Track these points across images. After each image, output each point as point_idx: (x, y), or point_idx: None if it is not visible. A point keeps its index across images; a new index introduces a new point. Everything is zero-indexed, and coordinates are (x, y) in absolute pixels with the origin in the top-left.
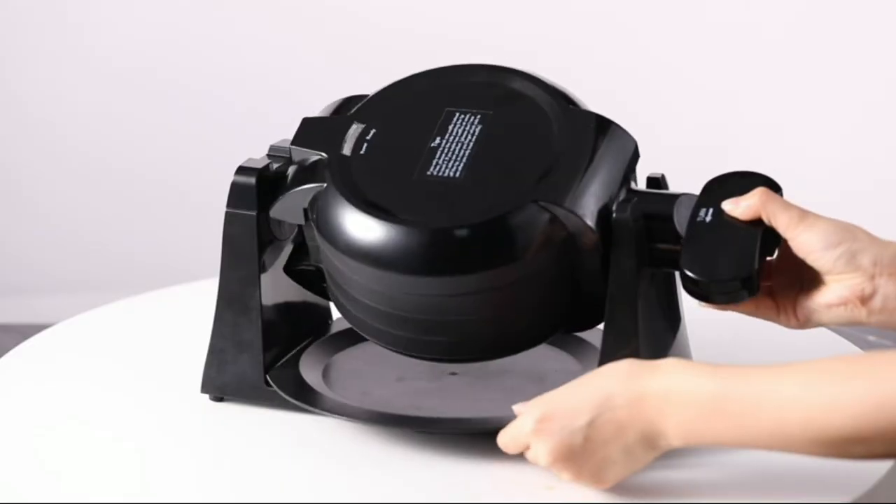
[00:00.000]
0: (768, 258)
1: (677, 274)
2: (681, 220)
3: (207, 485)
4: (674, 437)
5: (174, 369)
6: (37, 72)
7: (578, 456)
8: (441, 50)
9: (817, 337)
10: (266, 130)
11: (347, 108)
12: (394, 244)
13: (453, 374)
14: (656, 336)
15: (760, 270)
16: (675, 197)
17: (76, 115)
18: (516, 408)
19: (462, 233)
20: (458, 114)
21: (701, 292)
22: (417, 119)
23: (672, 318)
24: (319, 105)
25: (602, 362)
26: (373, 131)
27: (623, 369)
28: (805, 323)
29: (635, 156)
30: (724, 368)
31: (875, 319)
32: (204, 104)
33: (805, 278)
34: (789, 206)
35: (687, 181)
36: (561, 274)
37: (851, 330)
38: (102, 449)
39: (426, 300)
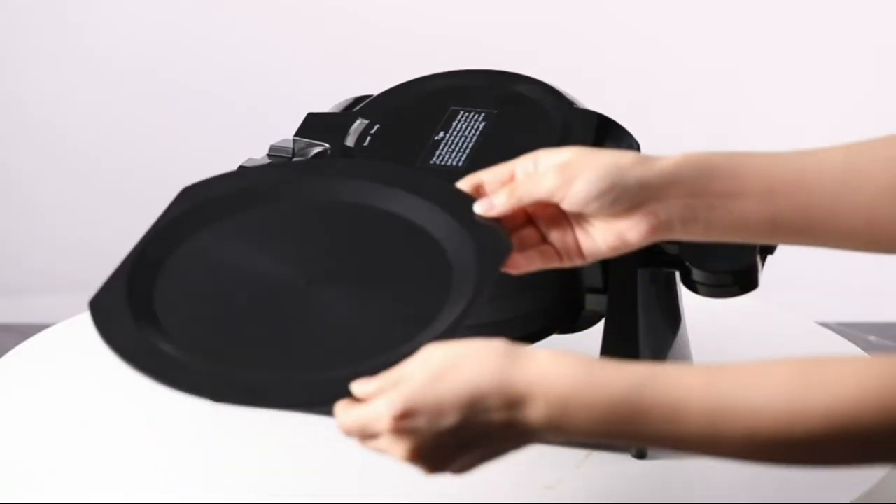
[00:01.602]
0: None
1: (677, 274)
2: None
3: (207, 485)
4: (559, 440)
5: None
6: (37, 72)
7: (443, 456)
8: (442, 51)
9: (817, 337)
10: (266, 130)
11: (353, 108)
12: None
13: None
14: (656, 336)
15: (761, 264)
16: None
17: (77, 115)
18: (358, 389)
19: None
20: (462, 111)
21: (700, 285)
22: (421, 116)
23: (672, 318)
24: (320, 106)
25: None
26: (377, 126)
27: (493, 358)
28: (593, 258)
29: None
30: (632, 367)
31: (678, 236)
32: (204, 104)
33: (577, 219)
34: (534, 175)
35: None
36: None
37: (851, 330)
38: (102, 449)
39: None
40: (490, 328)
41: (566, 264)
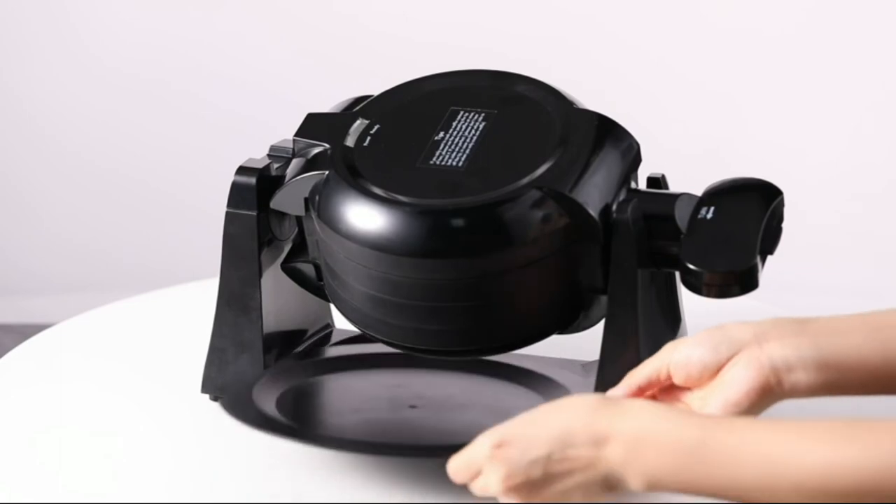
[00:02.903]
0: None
1: (677, 274)
2: (682, 218)
3: (207, 485)
4: (637, 482)
5: (174, 369)
6: (36, 74)
7: (533, 487)
8: (443, 51)
9: None
10: (266, 131)
11: (353, 108)
12: (394, 226)
13: (413, 406)
14: (656, 336)
15: (761, 265)
16: (676, 197)
17: (78, 116)
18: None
19: (462, 215)
20: (462, 112)
21: (700, 284)
22: (421, 116)
23: (672, 318)
24: (320, 106)
25: (602, 362)
26: (377, 126)
27: (587, 405)
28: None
29: (637, 157)
30: (703, 416)
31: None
32: (204, 104)
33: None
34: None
35: (687, 182)
36: (561, 263)
37: None
38: (102, 449)
39: (426, 285)
40: (489, 329)
41: None
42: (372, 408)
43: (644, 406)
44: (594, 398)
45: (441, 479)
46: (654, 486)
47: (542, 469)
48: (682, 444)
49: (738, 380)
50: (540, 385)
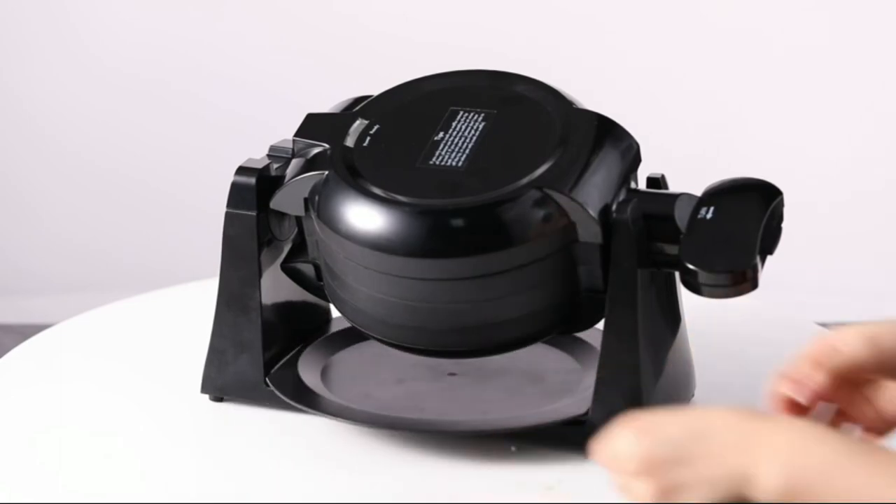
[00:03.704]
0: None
1: (677, 274)
2: (682, 218)
3: (207, 485)
4: (774, 479)
5: (174, 369)
6: (36, 74)
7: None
8: (442, 51)
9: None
10: (266, 131)
11: (353, 108)
12: (394, 225)
13: (452, 374)
14: (656, 336)
15: (761, 265)
16: (676, 197)
17: (77, 116)
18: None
19: (462, 215)
20: (462, 112)
21: (700, 284)
22: (421, 117)
23: (672, 318)
24: (320, 106)
25: (602, 362)
26: (377, 126)
27: (733, 412)
28: None
29: (637, 157)
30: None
31: None
32: (203, 104)
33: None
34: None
35: (687, 182)
36: (560, 263)
37: None
38: (102, 449)
39: (426, 285)
40: (489, 329)
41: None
42: (414, 377)
43: (796, 421)
44: (743, 408)
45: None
46: (791, 487)
47: (672, 450)
48: (837, 452)
49: None
50: (575, 348)
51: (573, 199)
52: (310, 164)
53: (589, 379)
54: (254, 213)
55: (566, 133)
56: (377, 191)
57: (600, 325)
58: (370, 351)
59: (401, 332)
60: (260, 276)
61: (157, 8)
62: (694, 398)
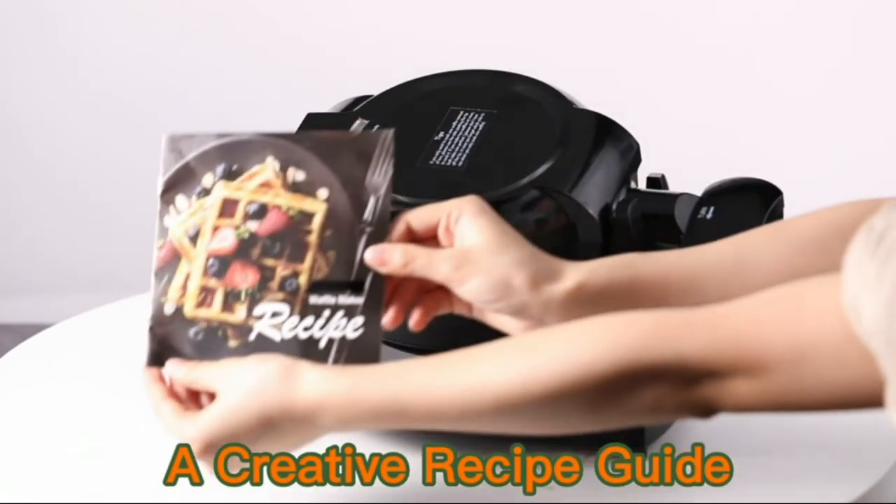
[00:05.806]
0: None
1: None
2: (682, 218)
3: (207, 485)
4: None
5: None
6: (34, 73)
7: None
8: (442, 51)
9: None
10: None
11: (353, 108)
12: None
13: None
14: None
15: None
16: (676, 197)
17: (76, 117)
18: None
19: None
20: (462, 112)
21: None
22: (421, 117)
23: None
24: (320, 106)
25: None
26: (377, 126)
27: (274, 383)
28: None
29: (637, 157)
30: (385, 368)
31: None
32: (203, 104)
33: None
34: (434, 254)
35: (687, 182)
36: None
37: None
38: (102, 449)
39: None
40: (484, 326)
41: (456, 310)
42: None
43: (324, 373)
44: (275, 369)
45: None
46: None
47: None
48: (382, 406)
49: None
50: None
51: (573, 199)
52: None
53: None
54: None
55: (566, 133)
56: None
57: None
58: None
59: (400, 332)
60: None
61: (157, 7)
62: None
